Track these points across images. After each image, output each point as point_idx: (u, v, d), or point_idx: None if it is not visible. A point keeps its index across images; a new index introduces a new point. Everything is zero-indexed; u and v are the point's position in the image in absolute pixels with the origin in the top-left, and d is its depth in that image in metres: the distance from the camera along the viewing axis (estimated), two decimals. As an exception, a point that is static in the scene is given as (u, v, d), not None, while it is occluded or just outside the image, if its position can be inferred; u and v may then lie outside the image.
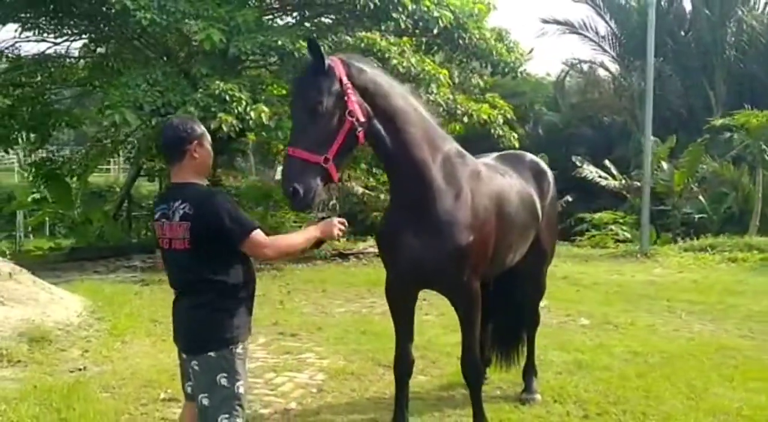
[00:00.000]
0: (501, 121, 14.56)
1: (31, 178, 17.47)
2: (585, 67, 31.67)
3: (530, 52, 20.65)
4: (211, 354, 3.29)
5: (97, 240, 15.90)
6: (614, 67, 29.44)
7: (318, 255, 13.12)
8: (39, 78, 15.55)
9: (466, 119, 13.28)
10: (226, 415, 3.28)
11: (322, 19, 14.13)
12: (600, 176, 24.00)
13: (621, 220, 18.40)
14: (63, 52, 16.19)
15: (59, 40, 15.82)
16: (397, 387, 4.41)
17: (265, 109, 10.80)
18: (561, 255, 14.60)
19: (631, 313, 8.79)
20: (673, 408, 5.22)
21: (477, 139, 16.95)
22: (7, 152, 18.75)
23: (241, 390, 3.33)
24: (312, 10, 14.35)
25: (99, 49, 16.35)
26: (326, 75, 3.53)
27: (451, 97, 12.74)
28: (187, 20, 11.18)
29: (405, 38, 12.34)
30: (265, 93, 11.81)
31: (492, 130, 14.47)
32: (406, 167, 3.90)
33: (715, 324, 8.28)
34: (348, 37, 11.68)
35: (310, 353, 6.79)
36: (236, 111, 10.50)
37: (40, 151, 18.26)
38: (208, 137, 3.45)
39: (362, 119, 3.58)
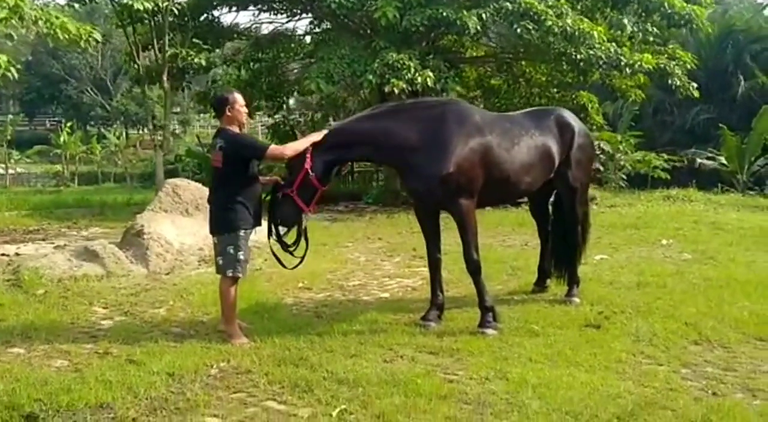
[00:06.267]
0: (679, 72, 14.94)
1: (269, 138, 21.00)
2: None
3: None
4: (225, 234, 5.44)
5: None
6: None
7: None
8: (273, 53, 18.23)
9: (628, 70, 13.91)
10: (231, 269, 5.44)
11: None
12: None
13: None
14: (292, 29, 19.31)
15: (288, 19, 18.95)
16: (431, 277, 6.28)
17: (430, 74, 12.65)
18: (737, 204, 14.74)
19: (744, 252, 9.28)
20: (683, 312, 6.20)
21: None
22: (251, 117, 22.56)
23: (241, 257, 5.43)
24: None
25: (322, 26, 19.15)
26: None
27: (612, 50, 13.45)
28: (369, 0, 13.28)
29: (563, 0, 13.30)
30: (434, 60, 13.54)
31: (669, 81, 14.96)
32: (390, 152, 5.80)
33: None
34: (508, 3, 12.92)
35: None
36: (406, 77, 12.43)
37: (276, 115, 21.73)
38: (240, 101, 5.48)
39: (309, 164, 5.42)
